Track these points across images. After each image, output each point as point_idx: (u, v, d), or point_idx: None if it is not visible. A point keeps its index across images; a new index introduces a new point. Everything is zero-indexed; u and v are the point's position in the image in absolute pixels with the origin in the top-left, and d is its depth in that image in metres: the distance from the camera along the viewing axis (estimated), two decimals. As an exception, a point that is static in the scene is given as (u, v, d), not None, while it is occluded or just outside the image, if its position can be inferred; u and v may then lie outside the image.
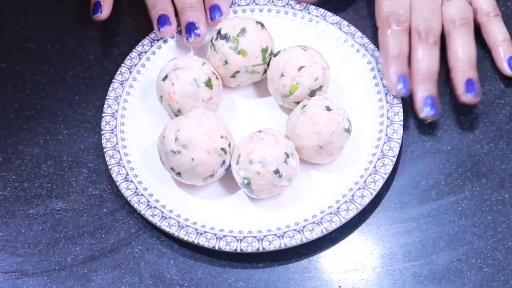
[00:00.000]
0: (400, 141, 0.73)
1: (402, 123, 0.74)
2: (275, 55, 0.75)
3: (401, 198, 0.72)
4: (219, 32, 0.75)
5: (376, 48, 0.78)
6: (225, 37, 0.74)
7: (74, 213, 0.73)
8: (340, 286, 0.69)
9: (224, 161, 0.70)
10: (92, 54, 0.83)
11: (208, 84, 0.73)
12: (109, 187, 0.74)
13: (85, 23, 0.85)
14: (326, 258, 0.70)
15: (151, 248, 0.71)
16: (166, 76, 0.73)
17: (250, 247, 0.68)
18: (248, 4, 0.82)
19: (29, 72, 0.82)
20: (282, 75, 0.73)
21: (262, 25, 0.76)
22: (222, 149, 0.69)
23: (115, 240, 0.72)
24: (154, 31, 0.80)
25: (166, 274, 0.70)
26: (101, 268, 0.70)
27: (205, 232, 0.69)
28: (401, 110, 0.74)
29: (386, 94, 0.75)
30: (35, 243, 0.72)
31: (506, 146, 0.75)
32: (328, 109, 0.70)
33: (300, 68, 0.73)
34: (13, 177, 0.76)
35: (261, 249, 0.68)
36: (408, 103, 0.77)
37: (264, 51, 0.75)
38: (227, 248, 0.68)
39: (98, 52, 0.83)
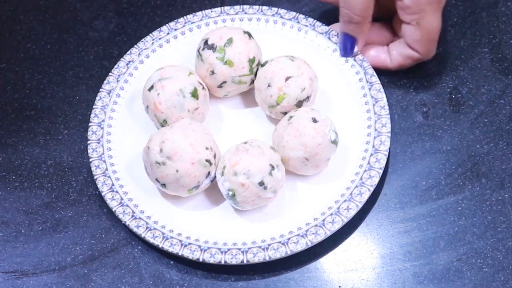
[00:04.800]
0: (387, 153, 0.72)
1: (389, 134, 0.73)
2: (262, 65, 0.74)
3: (401, 198, 0.72)
4: (206, 42, 0.74)
5: (365, 59, 0.77)
6: (212, 47, 0.74)
7: (74, 213, 0.73)
8: (340, 286, 0.69)
9: (209, 173, 0.69)
10: (92, 54, 0.83)
11: (194, 94, 0.72)
12: (109, 187, 0.74)
13: (85, 23, 0.85)
14: (326, 258, 0.70)
15: (151, 248, 0.71)
16: (152, 86, 0.72)
17: (234, 259, 0.67)
18: (237, 13, 0.81)
19: (29, 72, 0.82)
20: (269, 85, 0.73)
21: (250, 35, 0.75)
22: (207, 160, 0.69)
23: (115, 240, 0.72)
24: (142, 40, 0.80)
25: (166, 274, 0.70)
26: (101, 268, 0.70)
27: (189, 243, 0.69)
28: (389, 121, 0.73)
29: (374, 105, 0.74)
30: (35, 243, 0.72)
31: (506, 146, 0.75)
32: (315, 120, 0.70)
33: (287, 78, 0.72)
34: (13, 177, 0.76)
35: (245, 261, 0.67)
36: (407, 105, 0.77)
37: (251, 61, 0.74)
38: (211, 260, 0.67)
39: (98, 52, 0.83)
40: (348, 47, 0.77)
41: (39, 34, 0.85)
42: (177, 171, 0.68)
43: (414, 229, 0.71)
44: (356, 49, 0.77)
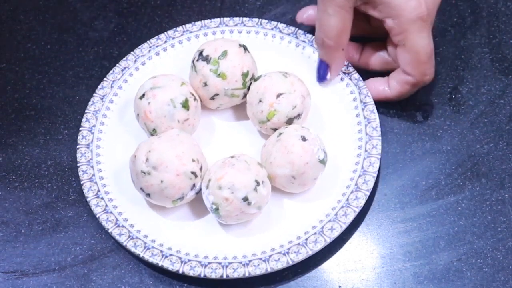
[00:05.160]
0: (375, 175, 0.71)
1: (379, 156, 0.72)
2: (255, 80, 0.74)
3: (401, 198, 0.72)
4: (201, 53, 0.74)
5: (361, 78, 0.76)
6: (206, 59, 0.73)
7: (74, 213, 0.73)
8: (340, 286, 0.69)
9: (194, 185, 0.69)
10: (92, 54, 0.83)
11: (185, 105, 0.72)
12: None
13: (85, 23, 0.85)
14: (326, 258, 0.70)
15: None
16: (143, 95, 0.72)
17: (214, 273, 0.67)
18: (236, 25, 0.80)
19: (29, 72, 0.82)
20: (260, 101, 0.72)
21: (245, 49, 0.74)
22: (193, 172, 0.68)
23: (115, 240, 0.71)
24: (141, 45, 0.80)
25: (166, 274, 0.70)
26: (101, 268, 0.70)
27: (170, 255, 0.68)
28: (380, 143, 0.72)
29: (366, 125, 0.74)
30: (35, 243, 0.72)
31: (506, 146, 0.75)
32: (304, 139, 0.69)
33: (279, 95, 0.72)
34: (13, 177, 0.76)
35: (224, 276, 0.67)
36: (407, 105, 0.77)
37: (245, 75, 0.73)
38: (191, 273, 0.67)
39: (98, 52, 0.83)
40: (321, 72, 0.76)
41: (39, 34, 0.85)
42: (161, 181, 0.68)
43: (414, 229, 0.71)
44: (328, 76, 0.76)
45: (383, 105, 0.77)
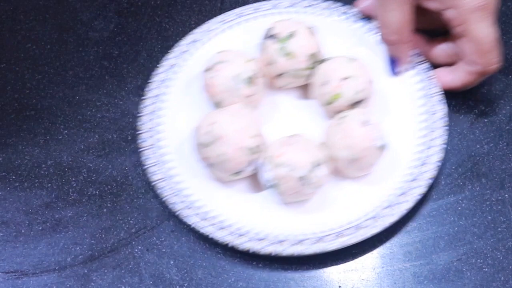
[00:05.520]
0: (437, 165, 0.71)
1: (442, 147, 0.72)
2: (321, 62, 0.74)
3: (401, 198, 0.72)
4: (270, 32, 0.75)
5: (429, 67, 0.76)
6: (275, 38, 0.74)
7: (74, 213, 0.73)
8: (340, 286, 0.69)
9: (252, 160, 0.70)
10: (92, 54, 0.83)
11: (250, 81, 0.72)
12: (109, 187, 0.74)
13: (85, 23, 0.85)
14: (326, 258, 0.70)
15: (151, 248, 0.71)
16: (209, 68, 0.73)
17: (263, 249, 0.68)
18: (307, 7, 0.80)
19: (29, 72, 0.82)
20: (325, 83, 0.73)
21: (314, 31, 0.75)
22: (252, 148, 0.69)
23: (115, 240, 0.72)
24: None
25: (166, 274, 0.70)
26: (101, 268, 0.70)
27: (222, 227, 0.69)
28: (445, 134, 0.72)
29: (431, 115, 0.73)
30: (35, 243, 0.72)
31: (506, 146, 0.74)
32: (365, 124, 0.69)
33: (344, 78, 0.72)
34: (13, 177, 0.76)
35: (273, 253, 0.67)
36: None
37: (311, 56, 0.74)
38: (240, 247, 0.68)
39: (98, 52, 0.83)
40: (391, 67, 0.76)
41: (39, 34, 0.85)
42: (221, 154, 0.69)
43: (414, 229, 0.71)
44: (398, 69, 0.76)
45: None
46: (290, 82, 0.75)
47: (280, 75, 0.75)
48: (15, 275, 0.71)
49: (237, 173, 0.70)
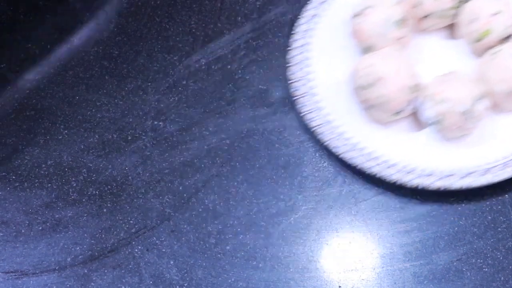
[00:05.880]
0: None
1: None
2: (467, 1, 0.75)
3: (401, 198, 0.72)
4: None
5: None
6: None
7: (74, 213, 0.73)
8: (340, 286, 0.69)
9: (412, 99, 0.71)
10: (92, 54, 0.83)
11: (400, 23, 0.74)
12: (109, 187, 0.74)
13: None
14: (326, 258, 0.70)
15: (151, 248, 0.71)
16: (358, 13, 0.74)
17: (432, 185, 0.69)
18: None
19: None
20: (473, 21, 0.74)
21: None
22: (412, 87, 0.71)
23: (115, 240, 0.72)
24: None
25: (166, 274, 0.70)
26: (101, 268, 0.70)
27: (388, 166, 0.71)
28: None
29: None
30: (35, 243, 0.72)
31: (506, 146, 0.75)
32: None
33: (494, 14, 0.73)
34: (13, 177, 0.76)
35: (442, 188, 0.69)
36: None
37: None
38: (408, 184, 0.69)
39: (98, 52, 0.83)
40: None
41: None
42: (381, 95, 0.71)
43: (414, 229, 0.71)
44: None
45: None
46: (436, 23, 0.77)
47: (426, 16, 0.76)
48: (15, 275, 0.71)
49: (398, 113, 0.72)
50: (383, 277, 0.69)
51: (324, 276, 0.69)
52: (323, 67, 0.77)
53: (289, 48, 0.78)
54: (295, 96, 0.75)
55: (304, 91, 0.75)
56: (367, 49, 0.75)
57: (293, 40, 0.78)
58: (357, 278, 0.69)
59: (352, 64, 0.74)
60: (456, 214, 0.71)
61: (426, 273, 0.69)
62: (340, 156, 0.72)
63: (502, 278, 0.68)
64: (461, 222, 0.71)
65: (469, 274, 0.68)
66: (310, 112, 0.74)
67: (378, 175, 0.70)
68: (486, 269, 0.69)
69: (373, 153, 0.72)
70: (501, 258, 0.69)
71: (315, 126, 0.73)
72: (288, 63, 0.77)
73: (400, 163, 0.71)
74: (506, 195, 0.72)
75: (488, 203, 0.72)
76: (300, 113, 0.74)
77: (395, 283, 0.69)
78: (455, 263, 0.69)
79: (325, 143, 0.72)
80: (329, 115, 0.74)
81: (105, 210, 0.73)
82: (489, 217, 0.71)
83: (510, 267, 0.69)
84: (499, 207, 0.71)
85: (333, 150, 0.72)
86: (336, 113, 0.74)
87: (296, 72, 0.76)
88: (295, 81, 0.76)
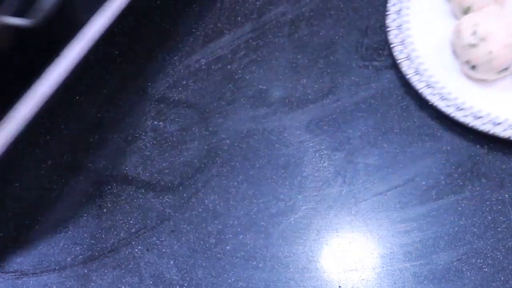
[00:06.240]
0: None
1: None
2: None
3: (401, 198, 0.72)
4: None
5: None
6: None
7: (74, 213, 0.73)
8: (340, 286, 0.69)
9: None
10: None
11: None
12: (109, 187, 0.74)
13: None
14: (326, 258, 0.70)
15: (151, 248, 0.71)
16: None
17: None
18: None
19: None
20: None
21: None
22: None
23: (115, 240, 0.72)
24: None
25: (166, 274, 0.70)
26: (101, 268, 0.70)
27: (499, 123, 0.72)
28: None
29: None
30: (35, 243, 0.72)
31: (506, 146, 0.74)
32: None
33: None
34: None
35: None
36: (407, 105, 0.77)
37: None
38: None
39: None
40: None
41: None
42: (490, 52, 0.72)
43: (414, 229, 0.71)
44: None
45: (381, 106, 0.77)
46: None
47: None
48: (15, 275, 0.71)
49: (504, 69, 0.73)
50: (383, 277, 0.69)
51: (324, 276, 0.69)
52: (421, 30, 0.78)
53: (387, 13, 0.79)
54: (398, 60, 0.77)
55: (406, 55, 0.77)
56: (466, 10, 0.76)
57: (391, 5, 0.80)
58: (357, 278, 0.69)
59: (450, 27, 0.76)
60: (456, 214, 0.71)
61: (426, 273, 0.69)
62: (452, 115, 0.73)
63: (502, 278, 0.68)
64: (461, 222, 0.71)
65: (469, 274, 0.68)
66: (415, 75, 0.76)
67: (491, 132, 0.73)
68: (486, 269, 0.69)
69: (479, 112, 0.73)
70: (501, 258, 0.69)
71: (421, 88, 0.75)
72: (387, 26, 0.79)
73: (510, 120, 0.73)
74: (506, 195, 0.72)
75: (488, 203, 0.72)
76: (405, 75, 0.76)
77: (395, 283, 0.69)
78: (455, 263, 0.69)
79: (433, 104, 0.74)
80: (433, 77, 0.76)
81: (105, 210, 0.73)
82: (489, 217, 0.71)
83: (510, 267, 0.69)
84: (499, 207, 0.71)
85: (443, 110, 0.74)
86: (439, 74, 0.76)
87: (395, 36, 0.78)
88: (396, 45, 0.78)
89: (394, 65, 0.79)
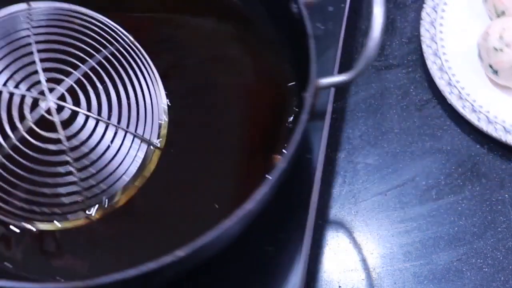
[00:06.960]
0: None
1: None
2: None
3: (401, 198, 0.72)
4: None
5: None
6: None
7: (74, 213, 0.73)
8: (340, 286, 0.69)
9: None
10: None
11: None
12: (109, 187, 0.74)
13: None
14: (326, 258, 0.70)
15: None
16: None
17: None
18: None
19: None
20: None
21: None
22: None
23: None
24: None
25: (166, 274, 0.70)
26: (101, 268, 0.70)
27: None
28: None
29: None
30: (35, 243, 0.72)
31: (506, 146, 0.74)
32: None
33: None
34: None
35: None
36: (407, 105, 0.77)
37: None
38: None
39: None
40: None
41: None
42: None
43: (414, 229, 0.71)
44: None
45: (381, 106, 0.77)
46: None
47: None
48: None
49: None
50: (383, 277, 0.69)
51: (324, 276, 0.69)
52: (454, 29, 0.79)
53: (424, 5, 0.80)
54: (425, 53, 0.77)
55: (435, 49, 0.77)
56: (500, 14, 0.76)
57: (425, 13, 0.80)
58: (357, 278, 0.69)
59: (483, 28, 0.75)
60: (456, 214, 0.71)
61: (426, 273, 0.69)
62: (467, 117, 0.73)
63: (502, 278, 0.68)
64: (461, 222, 0.71)
65: (469, 274, 0.68)
66: (439, 71, 0.76)
67: (503, 140, 0.72)
68: (486, 269, 0.69)
69: (497, 117, 0.73)
70: (501, 258, 0.69)
71: (442, 85, 0.75)
72: (420, 19, 0.79)
73: None
74: (506, 195, 0.72)
75: (488, 203, 0.72)
76: (429, 69, 0.76)
77: (395, 283, 0.69)
78: (455, 263, 0.69)
79: (451, 102, 0.74)
80: (455, 76, 0.75)
81: (105, 210, 0.73)
82: (489, 217, 0.71)
83: (510, 267, 0.69)
84: (499, 207, 0.72)
85: (459, 110, 0.74)
86: (462, 74, 0.76)
87: (429, 29, 0.78)
88: (425, 39, 0.78)
89: (394, 65, 0.79)
